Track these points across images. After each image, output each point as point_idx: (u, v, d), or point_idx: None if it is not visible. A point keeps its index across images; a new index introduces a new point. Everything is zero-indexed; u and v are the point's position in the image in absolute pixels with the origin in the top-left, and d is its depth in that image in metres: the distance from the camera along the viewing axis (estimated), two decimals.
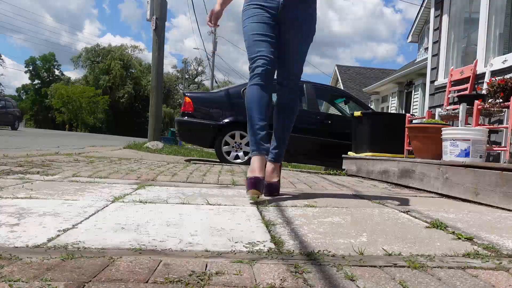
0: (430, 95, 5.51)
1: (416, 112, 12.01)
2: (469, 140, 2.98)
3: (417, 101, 12.61)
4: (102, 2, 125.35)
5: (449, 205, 2.25)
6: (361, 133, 4.80)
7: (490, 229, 1.59)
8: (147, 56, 64.71)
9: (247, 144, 5.85)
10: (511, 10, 4.45)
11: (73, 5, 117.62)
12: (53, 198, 1.77)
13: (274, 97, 2.26)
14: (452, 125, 4.27)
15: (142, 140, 9.77)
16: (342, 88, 19.77)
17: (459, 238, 1.38)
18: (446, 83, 4.81)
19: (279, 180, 2.26)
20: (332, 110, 9.37)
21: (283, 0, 2.08)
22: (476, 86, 4.36)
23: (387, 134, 4.53)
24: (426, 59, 7.33)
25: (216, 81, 34.63)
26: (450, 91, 4.70)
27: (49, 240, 1.13)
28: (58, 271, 0.89)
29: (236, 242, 1.21)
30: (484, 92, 3.96)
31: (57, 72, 64.42)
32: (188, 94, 6.23)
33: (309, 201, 2.08)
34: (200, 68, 62.69)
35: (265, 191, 2.10)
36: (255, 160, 2.04)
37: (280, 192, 2.27)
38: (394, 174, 3.46)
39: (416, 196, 2.65)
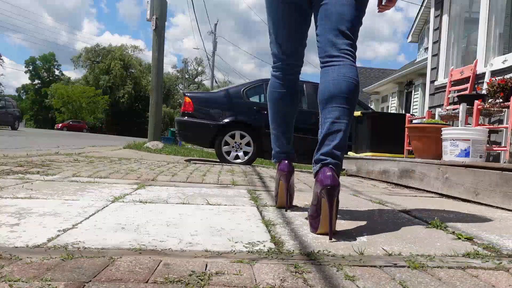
0: (430, 95, 5.51)
1: (416, 112, 12.01)
2: (469, 140, 2.98)
3: (417, 101, 12.62)
4: (100, 1, 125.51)
5: (449, 205, 2.25)
6: (361, 133, 4.80)
7: (490, 229, 1.59)
8: (147, 56, 64.85)
9: (247, 144, 5.86)
10: (511, 10, 4.45)
11: (71, 3, 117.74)
12: (53, 198, 1.77)
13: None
14: (452, 125, 4.27)
15: (142, 140, 9.77)
16: None
17: (459, 238, 1.38)
18: (446, 83, 4.81)
19: None
20: None
21: None
22: (476, 86, 4.36)
23: (387, 134, 4.53)
24: (426, 59, 7.33)
25: (216, 81, 34.65)
26: (450, 91, 4.70)
27: (49, 240, 1.13)
28: (58, 271, 0.89)
29: (236, 242, 1.21)
30: (484, 92, 3.96)
31: (57, 72, 64.49)
32: (188, 94, 6.23)
33: (309, 201, 2.08)
34: (200, 68, 62.75)
35: None
36: None
37: None
38: (394, 174, 3.46)
39: (416, 196, 2.65)
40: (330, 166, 1.35)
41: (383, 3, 1.67)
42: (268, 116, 1.86)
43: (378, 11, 1.71)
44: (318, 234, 1.35)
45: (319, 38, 1.54)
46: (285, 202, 1.76)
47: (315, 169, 1.40)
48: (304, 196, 2.30)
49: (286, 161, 1.79)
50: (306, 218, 1.54)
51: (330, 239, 1.28)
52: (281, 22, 1.69)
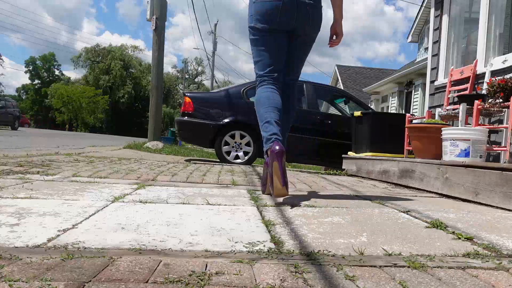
0: (430, 95, 5.51)
1: (416, 112, 12.01)
2: (469, 140, 2.98)
3: (417, 101, 12.61)
4: (100, 1, 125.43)
5: (449, 205, 2.25)
6: (361, 133, 4.80)
7: (490, 229, 1.59)
8: (147, 56, 64.72)
9: (247, 144, 5.86)
10: (511, 10, 4.45)
11: (71, 3, 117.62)
12: (53, 198, 1.77)
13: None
14: (452, 125, 4.27)
15: (142, 140, 9.77)
16: (342, 88, 19.77)
17: (459, 238, 1.38)
18: (446, 83, 4.81)
19: None
20: (332, 110, 9.37)
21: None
22: (476, 86, 4.36)
23: (387, 134, 4.53)
24: (426, 59, 7.33)
25: (216, 81, 34.67)
26: (450, 91, 4.70)
27: (49, 240, 1.13)
28: (58, 271, 0.89)
29: (236, 242, 1.21)
30: (484, 92, 3.96)
31: (57, 72, 64.41)
32: (188, 94, 6.22)
33: (309, 201, 2.08)
34: (200, 68, 62.74)
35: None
36: None
37: None
38: (394, 174, 3.46)
39: (416, 196, 2.65)
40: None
41: (333, 39, 2.26)
42: (258, 115, 2.11)
43: (329, 46, 2.29)
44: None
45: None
46: (281, 184, 1.78)
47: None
48: (304, 196, 2.30)
49: (276, 142, 1.89)
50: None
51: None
52: (275, 49, 2.18)
